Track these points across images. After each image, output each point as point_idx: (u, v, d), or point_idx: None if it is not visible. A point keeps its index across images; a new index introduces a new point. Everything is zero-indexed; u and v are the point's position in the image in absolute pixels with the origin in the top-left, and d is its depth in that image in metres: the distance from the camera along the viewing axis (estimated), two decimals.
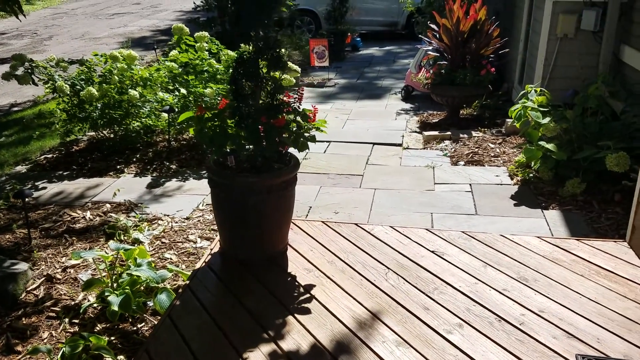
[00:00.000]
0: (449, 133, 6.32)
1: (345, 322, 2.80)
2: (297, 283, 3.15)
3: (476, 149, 5.81)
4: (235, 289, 3.08)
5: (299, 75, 5.84)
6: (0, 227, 4.26)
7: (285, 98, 3.19)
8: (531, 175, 4.89)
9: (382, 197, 4.70)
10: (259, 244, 3.27)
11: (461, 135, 6.22)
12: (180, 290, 3.19)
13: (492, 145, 5.90)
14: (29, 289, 3.46)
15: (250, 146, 3.10)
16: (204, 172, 5.28)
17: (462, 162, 5.48)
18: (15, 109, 7.83)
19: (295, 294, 3.04)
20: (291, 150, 3.37)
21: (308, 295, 3.03)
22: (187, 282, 3.21)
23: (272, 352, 2.60)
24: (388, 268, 3.28)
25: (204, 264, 3.36)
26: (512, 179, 4.99)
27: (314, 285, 3.12)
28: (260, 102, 3.12)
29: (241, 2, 2.86)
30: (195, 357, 2.57)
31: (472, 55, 6.68)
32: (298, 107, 3.18)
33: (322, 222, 3.90)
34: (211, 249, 3.57)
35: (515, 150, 5.65)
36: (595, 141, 4.55)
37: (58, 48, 11.16)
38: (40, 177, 5.29)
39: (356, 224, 3.86)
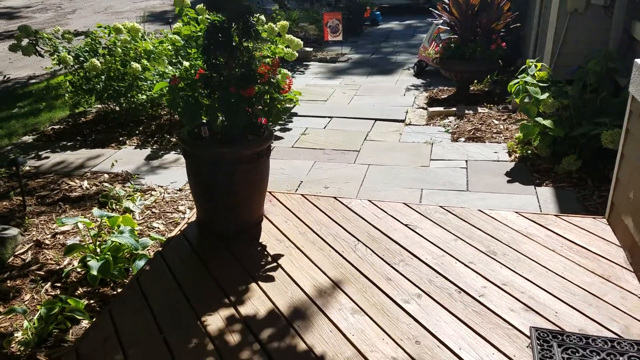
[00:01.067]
0: (454, 109, 6.22)
1: (307, 290, 2.84)
2: (266, 253, 3.20)
3: (479, 125, 5.72)
4: (204, 257, 3.16)
5: (300, 47, 5.80)
6: None
7: (261, 69, 3.18)
8: (529, 152, 4.79)
9: (375, 173, 4.69)
10: (231, 215, 3.32)
11: (466, 112, 6.12)
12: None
13: (496, 122, 5.79)
14: (17, 253, 3.60)
15: (223, 117, 3.13)
16: None
17: (463, 139, 5.40)
18: (33, 81, 8.05)
19: (263, 263, 3.09)
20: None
21: (275, 264, 3.08)
22: (160, 248, 3.29)
23: (230, 316, 2.66)
24: (358, 240, 3.30)
25: (179, 232, 3.44)
26: (510, 155, 4.90)
27: (282, 255, 3.16)
28: (235, 72, 3.13)
29: None
30: (154, 317, 2.65)
31: (482, 29, 6.52)
32: (272, 78, 3.18)
33: (301, 195, 3.92)
34: (188, 218, 3.64)
35: (517, 126, 5.53)
36: (594, 118, 4.42)
37: (80, 22, 11.36)
38: (45, 147, 5.45)
39: (335, 197, 3.87)
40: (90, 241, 3.52)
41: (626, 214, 3.13)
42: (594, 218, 3.49)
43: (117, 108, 5.98)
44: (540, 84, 4.74)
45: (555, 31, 5.70)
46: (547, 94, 4.62)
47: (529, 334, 2.46)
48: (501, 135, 5.43)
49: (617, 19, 5.19)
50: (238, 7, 2.96)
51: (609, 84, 4.71)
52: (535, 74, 4.87)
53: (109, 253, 3.33)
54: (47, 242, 3.76)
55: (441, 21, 6.99)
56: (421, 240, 3.27)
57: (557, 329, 2.51)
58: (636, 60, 3.14)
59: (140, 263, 3.25)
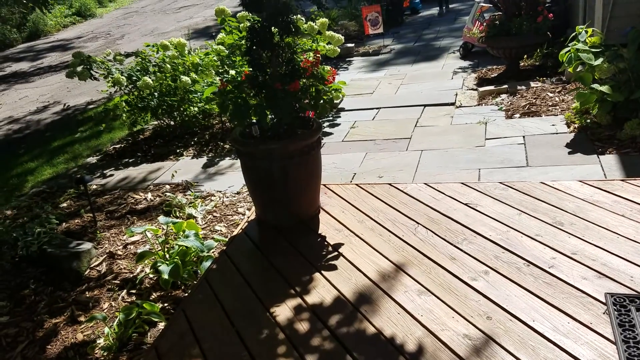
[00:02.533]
0: (505, 86, 6.06)
1: (370, 275, 2.85)
2: (326, 243, 3.23)
3: (534, 100, 5.54)
4: (267, 252, 3.22)
5: (342, 43, 5.81)
6: (70, 213, 4.68)
7: (303, 64, 3.23)
8: (588, 121, 4.61)
9: (429, 157, 4.63)
10: (288, 208, 3.38)
11: (519, 88, 5.95)
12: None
13: (550, 95, 5.60)
14: (92, 266, 3.79)
15: (271, 114, 3.19)
16: None
17: (517, 115, 5.26)
18: (91, 106, 8.45)
19: (324, 253, 3.12)
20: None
21: (336, 253, 3.10)
22: (224, 248, 3.38)
23: (298, 306, 2.70)
24: (418, 223, 3.27)
25: (240, 230, 3.53)
26: (569, 127, 4.72)
27: (342, 244, 3.18)
28: (279, 69, 3.18)
29: None
30: (225, 313, 2.73)
31: (527, 2, 6.32)
32: (315, 70, 3.21)
33: (356, 184, 3.93)
34: (248, 217, 3.73)
35: (573, 97, 5.32)
36: None
37: (129, 45, 11.83)
38: (108, 165, 5.72)
39: (390, 184, 3.86)
40: (159, 248, 3.66)
41: None
42: None
43: (172, 122, 6.19)
44: (593, 50, 4.55)
45: None
46: (601, 59, 4.43)
47: (604, 301, 2.37)
48: (557, 107, 5.25)
49: None
50: (276, 4, 3.01)
51: None
52: (587, 40, 4.68)
53: (177, 257, 3.46)
54: (119, 252, 3.94)
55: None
56: (483, 218, 3.21)
57: (634, 293, 2.40)
58: None
59: (207, 264, 3.36)
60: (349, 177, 4.49)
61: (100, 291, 3.49)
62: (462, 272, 2.75)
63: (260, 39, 3.01)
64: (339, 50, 5.94)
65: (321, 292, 2.79)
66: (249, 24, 3.12)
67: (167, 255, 3.56)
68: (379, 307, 2.59)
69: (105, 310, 3.29)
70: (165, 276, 3.27)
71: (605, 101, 4.36)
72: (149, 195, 4.80)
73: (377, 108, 6.26)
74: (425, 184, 3.78)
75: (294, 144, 3.18)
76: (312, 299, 2.74)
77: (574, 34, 4.81)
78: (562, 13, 7.25)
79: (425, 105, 6.07)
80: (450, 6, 12.08)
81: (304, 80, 3.20)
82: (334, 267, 2.98)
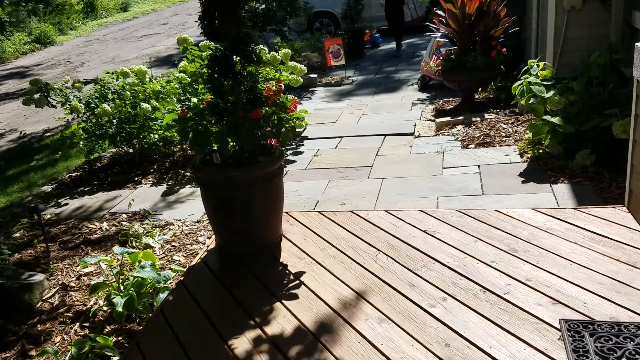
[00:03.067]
0: (461, 118, 6.25)
1: (331, 304, 2.84)
2: (287, 271, 3.21)
3: (488, 131, 5.72)
4: (226, 281, 3.18)
5: (304, 73, 5.90)
6: (23, 243, 4.51)
7: (265, 92, 3.25)
8: (541, 151, 4.78)
9: (390, 185, 4.70)
10: (249, 237, 3.35)
11: (474, 119, 6.14)
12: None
13: (504, 126, 5.79)
14: (44, 298, 3.65)
15: (233, 142, 3.19)
16: None
17: (473, 145, 5.41)
18: (48, 134, 8.25)
19: (285, 282, 3.10)
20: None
21: (297, 282, 3.08)
22: (182, 278, 3.32)
23: (257, 337, 2.66)
24: (379, 250, 3.30)
25: (199, 260, 3.47)
26: (522, 157, 4.89)
27: (304, 272, 3.17)
28: (241, 97, 3.20)
29: (209, 1, 2.96)
30: (182, 346, 2.66)
31: (481, 37, 6.58)
32: (278, 99, 3.24)
33: (318, 212, 3.95)
34: (207, 246, 3.68)
35: (526, 128, 5.52)
36: (603, 110, 4.40)
37: (90, 73, 11.66)
38: (63, 194, 5.56)
39: (351, 211, 3.89)
40: (114, 279, 3.56)
41: None
42: (614, 207, 3.46)
43: (131, 150, 6.10)
44: (545, 83, 4.76)
45: (555, 30, 5.73)
46: (552, 92, 4.63)
47: (559, 327, 2.43)
48: (511, 138, 5.43)
49: (617, 11, 5.21)
50: (238, 34, 3.04)
51: (615, 75, 4.71)
52: (539, 74, 4.89)
53: (132, 289, 3.36)
54: (72, 284, 3.81)
55: (439, 34, 7.07)
56: (441, 245, 3.26)
57: (588, 319, 2.47)
58: (637, 44, 3.15)
59: (164, 295, 3.28)
60: (312, 204, 4.50)
61: (52, 324, 3.36)
62: (421, 299, 2.78)
63: (221, 67, 3.03)
64: (301, 80, 6.02)
65: (281, 322, 2.76)
66: (210, 52, 3.14)
67: (122, 287, 3.46)
68: (339, 337, 2.58)
69: (57, 344, 3.16)
70: (120, 309, 3.17)
71: (556, 132, 4.53)
72: (105, 225, 4.68)
73: (339, 137, 6.33)
74: (386, 211, 3.83)
75: (255, 171, 3.18)
76: (272, 329, 2.70)
77: (526, 67, 5.02)
78: (515, 48, 7.57)
79: (386, 135, 6.18)
80: (409, 40, 12.44)
81: (266, 109, 3.23)
82: (295, 296, 2.95)
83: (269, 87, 3.33)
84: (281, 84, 3.32)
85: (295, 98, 3.33)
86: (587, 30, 5.56)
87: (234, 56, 3.12)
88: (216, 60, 3.05)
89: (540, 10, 6.54)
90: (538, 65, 4.94)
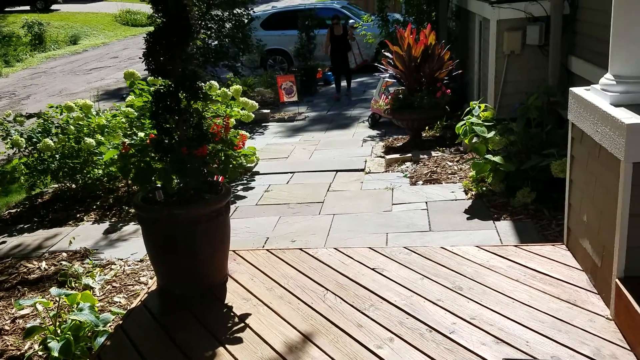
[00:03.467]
0: (409, 155, 6.38)
1: (277, 348, 2.77)
2: (232, 313, 3.12)
3: (435, 168, 5.86)
4: (167, 325, 3.06)
5: (256, 109, 5.90)
6: None
7: (212, 128, 3.23)
8: (484, 188, 4.92)
9: (340, 222, 4.71)
10: (193, 277, 3.26)
11: (421, 156, 6.28)
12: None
13: (450, 164, 5.95)
14: None
15: (177, 179, 3.12)
16: None
17: (421, 182, 5.52)
18: None
19: (229, 325, 3.01)
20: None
21: (242, 324, 3.00)
22: (120, 322, 3.18)
23: None
24: (327, 289, 3.27)
25: (139, 302, 3.34)
26: (466, 194, 5.01)
27: (250, 314, 3.09)
28: (186, 134, 3.16)
29: (156, 37, 2.94)
30: None
31: (427, 78, 6.81)
32: (224, 136, 3.22)
33: (267, 250, 3.89)
34: (148, 287, 3.55)
35: (470, 166, 5.69)
36: (541, 150, 4.59)
37: (35, 106, 11.30)
38: (2, 232, 5.30)
39: (300, 249, 3.85)
40: (50, 322, 3.38)
41: (583, 238, 3.21)
42: (553, 245, 3.57)
43: (74, 185, 5.90)
44: (486, 124, 4.93)
45: (495, 73, 6.00)
46: (493, 132, 4.80)
47: None
48: (456, 175, 5.58)
49: (554, 55, 5.50)
50: (184, 71, 3.02)
51: (552, 117, 4.94)
52: (480, 115, 5.07)
53: (69, 333, 3.19)
54: (6, 327, 3.60)
55: (388, 75, 7.28)
56: (389, 283, 3.27)
57: (530, 358, 2.50)
58: (571, 89, 3.32)
59: (102, 340, 3.13)
60: (262, 241, 4.45)
61: None
62: (368, 340, 2.75)
63: (166, 103, 2.99)
64: (253, 115, 6.03)
65: None
66: (154, 89, 3.10)
67: (59, 331, 3.28)
68: None
69: None
70: (55, 354, 3.00)
71: (498, 171, 4.68)
72: (43, 264, 4.47)
73: (291, 172, 6.33)
74: (335, 248, 3.82)
75: (200, 209, 3.11)
76: None
77: (468, 108, 5.20)
78: (459, 89, 7.87)
79: (337, 171, 6.23)
80: (360, 79, 12.73)
81: (213, 145, 3.19)
82: (240, 340, 2.87)
83: (216, 124, 3.30)
84: (228, 121, 3.29)
85: (244, 134, 3.32)
86: (526, 74, 5.84)
87: (180, 92, 3.09)
88: (161, 96, 3.01)
89: (482, 54, 6.84)
90: (480, 107, 5.13)
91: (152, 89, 5.64)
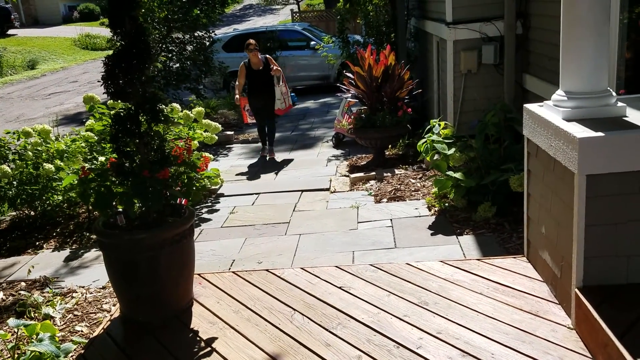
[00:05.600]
0: (373, 173, 6.45)
1: None
2: (198, 338, 3.07)
3: (399, 186, 5.93)
4: (132, 353, 2.98)
5: (219, 131, 5.88)
6: None
7: (174, 151, 3.20)
8: (447, 204, 5.00)
9: (307, 241, 4.71)
10: (157, 303, 3.19)
11: (385, 174, 6.35)
12: None
13: (413, 181, 6.04)
14: None
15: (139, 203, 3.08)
16: None
17: (385, 200, 5.57)
18: None
19: (195, 350, 2.96)
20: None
21: (209, 349, 2.95)
22: (82, 351, 3.08)
23: None
24: (294, 310, 3.25)
25: (102, 330, 3.25)
26: (430, 210, 5.09)
27: (216, 338, 3.05)
28: (148, 157, 3.12)
29: (115, 60, 2.92)
30: None
31: (388, 98, 6.92)
32: (187, 158, 3.20)
33: (233, 272, 3.85)
34: (111, 315, 3.46)
35: (432, 183, 5.78)
36: (500, 165, 4.71)
37: None
38: None
39: (267, 270, 3.83)
40: (8, 355, 3.25)
41: (542, 249, 3.30)
42: (514, 257, 3.65)
43: (32, 212, 5.74)
44: (446, 141, 5.04)
45: (454, 92, 6.16)
46: (453, 149, 4.91)
47: None
48: (419, 192, 5.66)
49: (509, 74, 5.70)
50: (144, 94, 3.00)
51: (509, 133, 5.08)
52: (440, 132, 5.19)
53: None
54: None
55: (350, 95, 7.38)
56: (356, 301, 3.28)
57: None
58: (525, 105, 3.44)
59: None
60: (228, 264, 4.40)
61: None
62: (337, 359, 2.74)
63: (126, 126, 2.96)
64: (216, 137, 6.00)
65: None
66: (114, 112, 3.07)
67: None
68: None
69: None
70: None
71: (459, 186, 4.78)
72: (1, 295, 4.30)
73: (256, 193, 6.30)
74: (302, 268, 3.81)
75: (163, 233, 3.07)
76: None
77: (429, 126, 5.31)
78: (420, 108, 8.03)
79: (302, 191, 6.24)
80: (323, 100, 12.84)
81: (175, 168, 3.16)
82: None
83: (178, 146, 3.28)
84: (191, 143, 3.27)
85: (207, 156, 3.30)
86: (483, 92, 6.01)
87: (140, 115, 3.06)
88: (121, 120, 2.98)
89: (440, 73, 7.02)
90: (439, 125, 5.25)
91: (112, 112, 5.58)
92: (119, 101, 3.09)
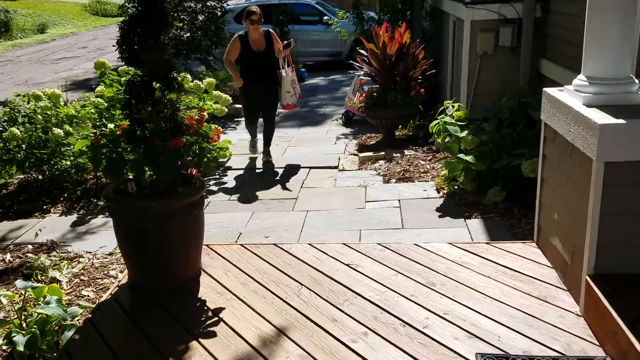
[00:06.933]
0: (383, 153, 6.41)
1: (251, 342, 2.75)
2: (206, 308, 3.08)
3: (408, 167, 5.90)
4: (139, 320, 3.00)
5: (229, 103, 5.83)
6: None
7: (186, 120, 3.17)
8: (456, 187, 4.97)
9: (314, 218, 4.70)
10: (165, 272, 3.20)
11: (394, 155, 6.31)
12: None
13: (422, 162, 6.00)
14: None
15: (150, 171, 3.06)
16: None
17: (394, 180, 5.54)
18: None
19: (203, 319, 2.98)
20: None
21: (216, 318, 2.97)
22: (90, 315, 3.10)
23: None
24: (301, 284, 3.26)
25: (110, 296, 3.27)
26: (438, 192, 5.06)
27: (224, 308, 3.06)
28: (160, 125, 3.09)
29: (131, 25, 2.87)
30: None
31: (401, 77, 6.83)
32: (200, 128, 3.17)
33: (241, 245, 3.86)
34: (119, 281, 3.47)
35: (442, 165, 5.74)
36: (512, 150, 4.67)
37: (0, 95, 10.96)
38: None
39: (275, 244, 3.83)
40: (15, 316, 3.28)
41: (553, 236, 3.27)
42: (524, 243, 3.63)
43: (40, 176, 5.74)
44: (459, 123, 4.99)
45: (468, 74, 6.06)
46: (466, 132, 4.86)
47: None
48: (428, 174, 5.63)
49: (525, 57, 5.59)
50: (158, 60, 2.96)
51: (523, 117, 5.02)
52: (453, 114, 5.13)
53: (35, 326, 3.10)
54: None
55: (362, 72, 7.29)
56: (363, 279, 3.28)
57: (502, 353, 2.54)
58: (544, 89, 3.38)
59: (70, 334, 3.05)
60: (235, 236, 4.40)
61: None
62: (343, 334, 2.75)
63: (139, 93, 2.92)
64: (226, 110, 5.96)
65: None
66: (127, 78, 3.03)
67: (24, 324, 3.19)
68: None
69: None
70: (21, 348, 2.91)
71: (470, 170, 4.75)
72: (8, 256, 4.33)
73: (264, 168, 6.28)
74: (309, 244, 3.81)
75: (174, 203, 3.06)
76: None
77: (442, 107, 5.25)
78: (432, 89, 7.93)
79: (311, 168, 6.21)
80: (332, 77, 12.72)
81: (187, 137, 3.14)
82: (213, 334, 2.83)
83: (190, 116, 3.25)
84: (204, 113, 3.24)
85: (219, 128, 3.27)
86: (498, 75, 5.92)
87: (154, 83, 3.02)
88: (134, 86, 2.94)
89: (455, 54, 6.91)
90: (453, 106, 5.18)
91: (123, 79, 5.54)
92: (133, 67, 3.04)
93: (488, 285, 3.10)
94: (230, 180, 5.84)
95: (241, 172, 6.17)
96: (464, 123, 4.97)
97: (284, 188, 5.54)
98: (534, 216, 4.23)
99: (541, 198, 3.50)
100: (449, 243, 3.68)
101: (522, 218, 4.33)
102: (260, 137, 6.59)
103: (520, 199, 4.56)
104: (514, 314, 2.84)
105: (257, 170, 6.18)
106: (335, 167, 6.17)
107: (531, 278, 3.16)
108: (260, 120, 6.59)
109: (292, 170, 6.15)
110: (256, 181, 5.82)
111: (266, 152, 6.47)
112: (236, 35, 6.16)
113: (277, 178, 5.91)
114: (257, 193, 5.42)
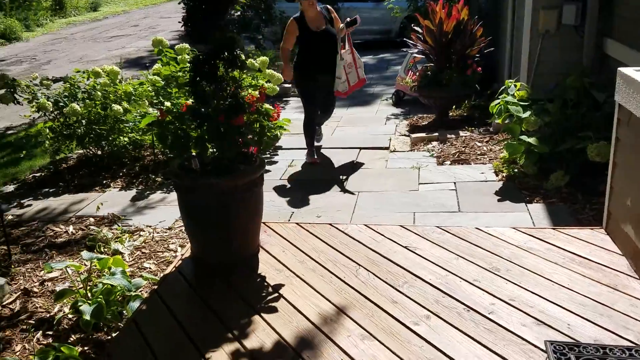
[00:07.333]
0: (436, 134, 6.28)
1: (312, 318, 2.77)
2: (266, 283, 3.12)
3: (463, 148, 5.76)
4: (202, 293, 3.06)
5: (281, 82, 5.81)
6: None
7: (247, 99, 3.17)
8: (516, 170, 4.83)
9: (366, 199, 4.66)
10: (226, 247, 3.25)
11: (448, 136, 6.17)
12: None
13: (479, 144, 5.85)
14: (4, 303, 3.45)
15: (214, 149, 3.09)
16: None
17: (448, 162, 5.43)
18: (10, 132, 7.92)
19: (264, 294, 3.01)
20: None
21: (276, 294, 3.00)
22: (155, 287, 3.18)
23: (235, 351, 2.56)
24: (359, 265, 3.24)
25: (174, 269, 3.34)
26: (497, 175, 4.93)
27: (283, 285, 3.09)
28: (223, 102, 3.11)
29: (196, 2, 2.88)
30: (155, 358, 2.53)
31: (457, 55, 6.64)
32: (260, 106, 3.16)
33: (296, 223, 3.87)
34: (182, 255, 3.55)
35: (501, 147, 5.58)
36: (577, 133, 4.48)
37: (56, 71, 11.31)
38: (27, 195, 5.32)
39: (330, 224, 3.82)
40: (81, 286, 3.40)
41: (625, 222, 3.14)
42: (592, 229, 3.50)
43: (99, 152, 5.91)
44: (522, 103, 4.82)
45: (529, 52, 5.83)
46: (529, 112, 4.69)
47: (544, 348, 2.41)
48: (485, 156, 5.48)
49: (589, 36, 5.33)
50: (222, 38, 2.96)
51: (588, 99, 4.81)
52: (515, 94, 4.95)
53: (101, 296, 3.20)
54: (35, 289, 3.62)
55: (416, 50, 7.12)
56: (422, 261, 3.23)
57: (572, 341, 2.46)
58: (619, 69, 3.21)
59: (135, 304, 3.13)
60: (287, 215, 4.42)
61: (12, 331, 3.17)
62: (404, 316, 2.73)
63: (204, 71, 2.93)
64: (277, 89, 5.93)
65: (261, 335, 2.66)
66: (192, 56, 3.05)
67: (90, 294, 3.30)
68: (321, 353, 2.50)
69: (17, 353, 2.98)
70: (87, 317, 3.01)
71: (532, 152, 4.59)
72: (70, 228, 4.49)
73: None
74: (365, 225, 3.78)
75: (236, 180, 3.08)
76: (251, 343, 2.60)
77: (503, 87, 5.08)
78: (488, 68, 7.69)
79: (361, 148, 6.15)
80: (381, 55, 12.50)
81: (249, 115, 3.14)
82: (274, 310, 2.87)
83: (251, 94, 3.25)
84: (263, 92, 3.23)
85: (278, 106, 3.26)
86: (560, 55, 5.66)
87: (217, 60, 3.03)
88: (199, 64, 2.96)
89: (515, 32, 6.66)
90: (515, 86, 5.01)
91: (179, 57, 5.59)
92: (196, 45, 3.06)
93: (555, 272, 3.00)
94: (281, 160, 5.85)
95: (291, 151, 6.17)
96: (526, 103, 4.79)
97: (334, 169, 5.51)
98: (599, 201, 4.08)
99: (612, 183, 3.35)
100: (513, 228, 3.58)
101: (586, 203, 4.17)
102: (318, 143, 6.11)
103: (584, 183, 4.39)
104: (584, 301, 2.74)
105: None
106: (386, 148, 6.08)
107: (600, 265, 3.05)
108: None
109: (341, 150, 6.11)
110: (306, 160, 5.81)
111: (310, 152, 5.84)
112: (291, 18, 5.51)
113: (327, 159, 5.88)
114: (308, 173, 5.42)
